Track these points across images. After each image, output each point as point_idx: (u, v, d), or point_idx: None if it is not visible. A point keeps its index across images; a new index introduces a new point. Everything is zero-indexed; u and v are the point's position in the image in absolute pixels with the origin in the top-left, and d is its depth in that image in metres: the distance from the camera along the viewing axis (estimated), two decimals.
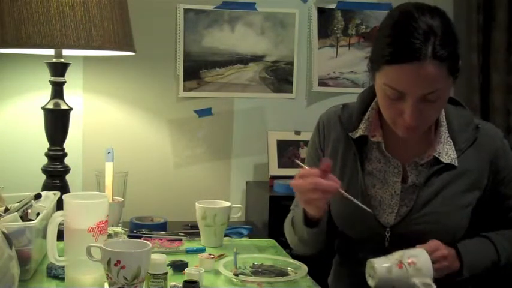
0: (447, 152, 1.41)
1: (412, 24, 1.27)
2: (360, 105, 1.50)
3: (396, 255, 1.30)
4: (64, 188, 1.99)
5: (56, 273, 1.41)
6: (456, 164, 1.40)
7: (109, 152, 1.89)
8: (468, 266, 1.37)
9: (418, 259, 1.28)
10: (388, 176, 1.45)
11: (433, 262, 1.29)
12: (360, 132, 1.47)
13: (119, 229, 1.70)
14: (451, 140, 1.42)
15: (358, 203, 1.35)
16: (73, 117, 2.09)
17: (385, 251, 1.34)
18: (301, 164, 1.42)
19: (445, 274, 1.33)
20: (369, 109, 1.48)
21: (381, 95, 1.35)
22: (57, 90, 2.02)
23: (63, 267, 1.36)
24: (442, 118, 1.44)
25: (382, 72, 1.31)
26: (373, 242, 1.44)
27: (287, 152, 2.45)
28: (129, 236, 1.72)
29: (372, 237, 1.45)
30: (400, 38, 1.28)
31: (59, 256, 1.33)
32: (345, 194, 1.34)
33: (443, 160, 1.40)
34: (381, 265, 1.28)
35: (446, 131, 1.43)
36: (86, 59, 2.32)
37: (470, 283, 1.47)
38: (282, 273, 1.48)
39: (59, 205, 1.47)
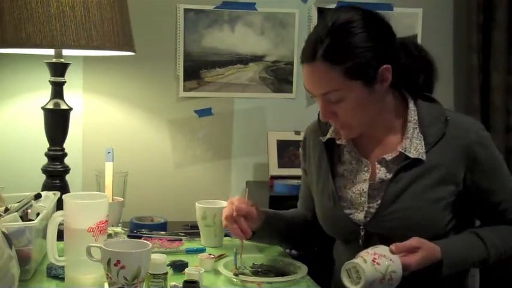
0: (416, 147, 1.40)
1: (318, 24, 1.37)
2: None
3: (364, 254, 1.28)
4: (64, 188, 1.99)
5: (56, 273, 1.41)
6: (424, 158, 1.39)
7: (109, 152, 1.89)
8: (448, 264, 1.34)
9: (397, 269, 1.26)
10: (359, 175, 1.46)
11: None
12: (327, 136, 1.50)
13: (119, 229, 1.70)
14: (421, 136, 1.41)
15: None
16: (73, 117, 2.08)
17: (359, 250, 1.34)
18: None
19: (423, 267, 1.31)
20: None
21: None
22: (57, 90, 2.02)
23: (63, 267, 1.36)
24: (412, 114, 1.44)
25: None
26: (351, 242, 1.47)
27: (287, 152, 2.44)
28: (129, 236, 1.72)
29: (348, 236, 1.47)
30: (306, 38, 1.38)
31: (59, 256, 1.33)
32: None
33: (410, 155, 1.39)
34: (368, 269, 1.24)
35: (417, 127, 1.42)
36: (86, 59, 2.32)
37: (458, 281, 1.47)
38: (282, 273, 1.48)
39: (59, 205, 1.47)
